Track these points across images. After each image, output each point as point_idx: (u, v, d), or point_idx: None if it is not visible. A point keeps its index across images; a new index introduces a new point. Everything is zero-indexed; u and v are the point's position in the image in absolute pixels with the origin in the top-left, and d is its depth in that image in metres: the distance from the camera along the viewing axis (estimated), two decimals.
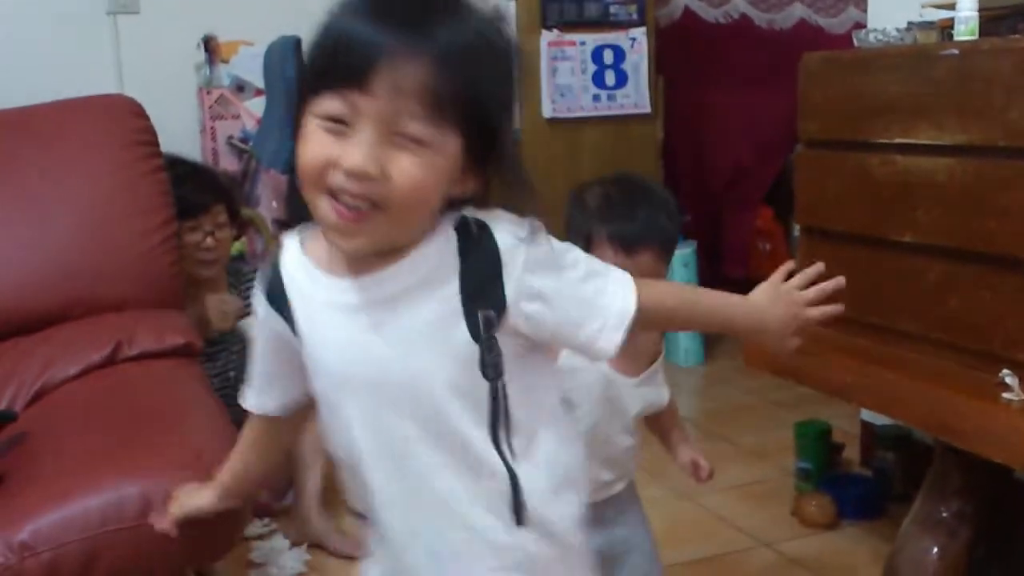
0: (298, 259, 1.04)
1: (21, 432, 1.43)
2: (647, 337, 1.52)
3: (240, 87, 4.26)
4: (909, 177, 1.88)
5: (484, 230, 0.98)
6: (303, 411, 1.14)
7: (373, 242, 0.96)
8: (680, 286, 1.09)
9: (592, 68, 3.77)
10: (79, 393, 1.56)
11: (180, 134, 3.48)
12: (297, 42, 3.83)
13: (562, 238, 1.08)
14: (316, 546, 2.40)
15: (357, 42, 0.90)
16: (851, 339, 2.07)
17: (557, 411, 1.08)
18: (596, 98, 3.78)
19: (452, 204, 0.99)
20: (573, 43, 3.75)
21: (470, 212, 1.00)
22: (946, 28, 2.00)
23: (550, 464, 1.04)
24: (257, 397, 1.14)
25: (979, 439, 1.70)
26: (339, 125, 0.92)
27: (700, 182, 4.72)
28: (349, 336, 1.00)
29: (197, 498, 1.24)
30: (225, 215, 2.53)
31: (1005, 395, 1.69)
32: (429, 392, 0.99)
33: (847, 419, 2.89)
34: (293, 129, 0.97)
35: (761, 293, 1.14)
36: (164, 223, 1.85)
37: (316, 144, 0.93)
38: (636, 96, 3.82)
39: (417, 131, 0.92)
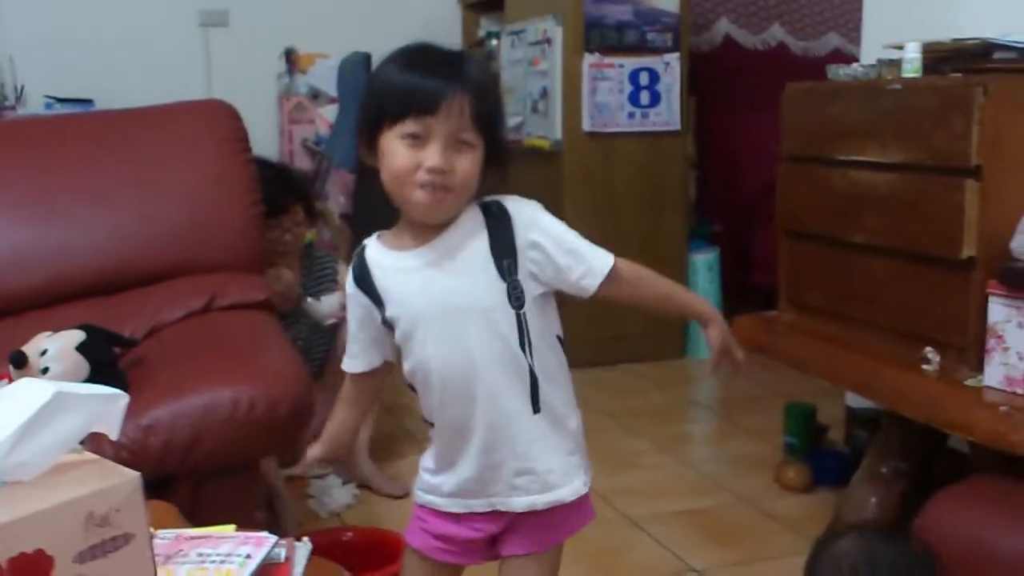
0: (377, 247, 1.46)
1: (142, 355, 1.88)
2: None
3: (315, 95, 4.70)
4: (860, 189, 2.25)
5: (500, 204, 1.42)
6: (383, 371, 1.54)
7: (446, 212, 1.38)
8: (651, 271, 1.56)
9: (628, 88, 4.03)
10: (183, 331, 2.01)
11: (262, 136, 3.76)
12: (367, 57, 4.27)
13: None
14: (364, 486, 2.83)
15: (424, 88, 1.33)
16: (816, 323, 2.45)
17: (554, 338, 1.48)
18: (631, 115, 4.04)
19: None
20: (612, 65, 4.00)
21: (489, 198, 1.43)
22: None
23: (548, 368, 1.45)
24: (353, 360, 1.51)
25: (899, 400, 2.07)
26: (417, 140, 1.34)
27: (732, 194, 5.06)
28: (420, 283, 1.41)
29: (314, 450, 1.54)
30: (302, 214, 2.87)
31: (925, 367, 2.07)
32: (481, 306, 1.40)
33: (839, 407, 3.25)
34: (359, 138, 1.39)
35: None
36: (252, 204, 2.29)
37: (404, 154, 1.34)
38: (668, 114, 4.08)
39: (469, 138, 1.35)
